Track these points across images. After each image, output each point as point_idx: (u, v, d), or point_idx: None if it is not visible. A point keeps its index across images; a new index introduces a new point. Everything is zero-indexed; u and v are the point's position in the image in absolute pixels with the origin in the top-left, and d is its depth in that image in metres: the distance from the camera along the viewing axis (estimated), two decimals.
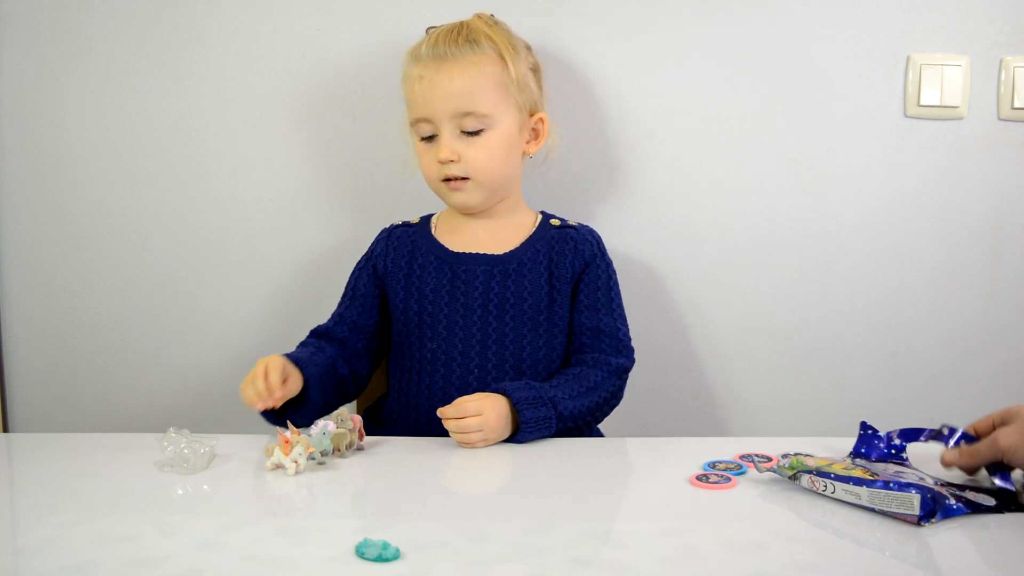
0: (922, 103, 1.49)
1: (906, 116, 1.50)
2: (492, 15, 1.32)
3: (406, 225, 1.35)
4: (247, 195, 1.55)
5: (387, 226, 1.37)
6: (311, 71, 1.51)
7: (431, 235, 1.32)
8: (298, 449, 1.01)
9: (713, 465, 1.02)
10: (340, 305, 1.34)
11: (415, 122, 1.26)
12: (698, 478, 0.98)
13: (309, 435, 1.05)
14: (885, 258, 1.54)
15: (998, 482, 0.94)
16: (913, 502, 0.85)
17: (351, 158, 1.53)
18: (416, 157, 1.31)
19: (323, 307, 1.56)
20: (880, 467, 1.00)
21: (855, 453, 1.05)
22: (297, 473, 1.01)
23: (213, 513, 0.91)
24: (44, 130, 1.54)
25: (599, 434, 1.33)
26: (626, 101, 1.51)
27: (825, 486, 0.93)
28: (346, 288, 1.35)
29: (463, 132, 1.24)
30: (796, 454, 1.03)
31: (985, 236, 1.53)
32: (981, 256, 1.53)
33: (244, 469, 1.03)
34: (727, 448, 1.08)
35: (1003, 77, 1.49)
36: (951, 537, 0.84)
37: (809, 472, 0.95)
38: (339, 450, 1.06)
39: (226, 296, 1.57)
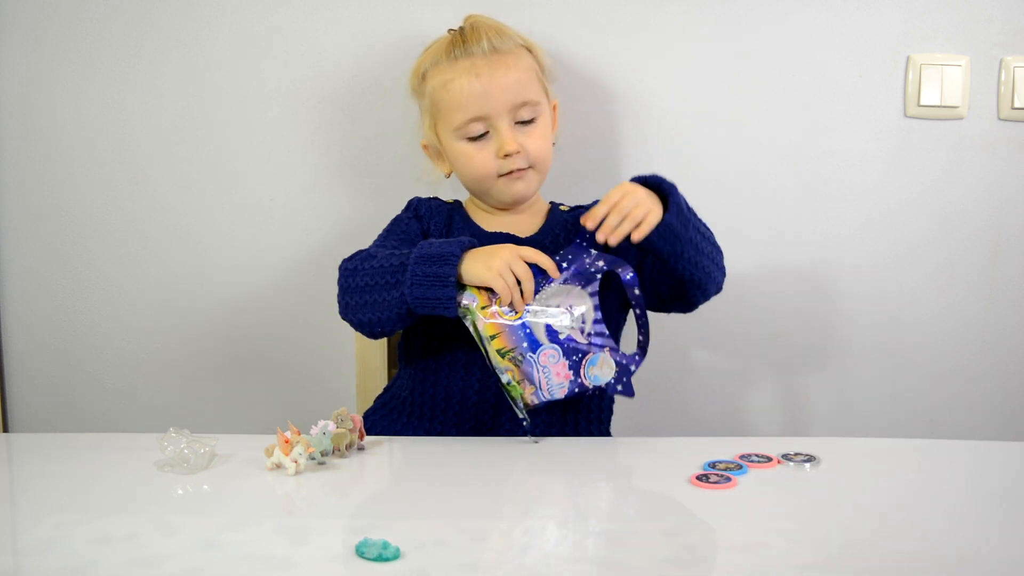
0: (922, 103, 1.49)
1: (906, 116, 1.50)
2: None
3: (440, 200, 1.35)
4: (246, 195, 1.55)
5: (421, 196, 1.35)
6: (311, 71, 1.51)
7: (466, 214, 1.33)
8: (298, 449, 1.01)
9: (713, 465, 1.02)
10: (388, 241, 1.28)
11: (465, 124, 1.25)
12: (698, 478, 0.98)
13: (309, 435, 1.05)
14: (885, 258, 1.54)
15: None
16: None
17: (351, 158, 1.53)
18: (461, 159, 1.27)
19: (322, 306, 1.56)
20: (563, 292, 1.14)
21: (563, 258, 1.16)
22: (297, 473, 1.01)
23: (213, 513, 0.91)
24: (43, 130, 1.54)
25: (607, 434, 1.33)
26: (625, 101, 1.51)
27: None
28: (389, 232, 1.30)
29: (517, 123, 1.26)
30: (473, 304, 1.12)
31: (985, 236, 1.53)
32: (981, 256, 1.53)
33: (244, 469, 1.03)
34: (727, 448, 1.08)
35: (1003, 77, 1.49)
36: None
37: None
38: (339, 450, 1.06)
39: (225, 296, 1.57)
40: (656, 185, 1.17)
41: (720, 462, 1.03)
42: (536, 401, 1.12)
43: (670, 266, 1.18)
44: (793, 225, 1.53)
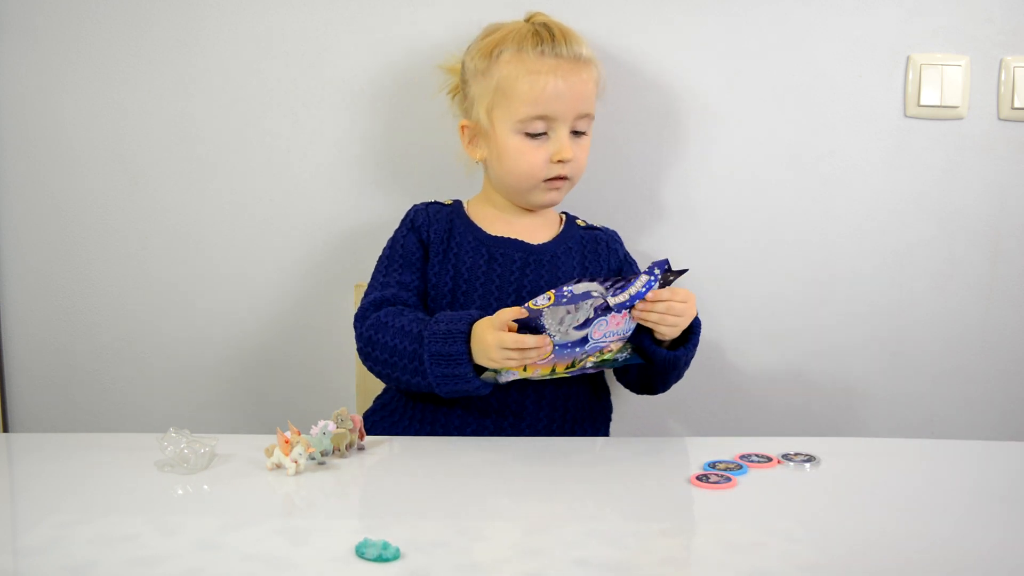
0: (922, 103, 1.49)
1: (906, 116, 1.50)
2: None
3: (439, 204, 1.35)
4: (246, 195, 1.55)
5: (418, 203, 1.35)
6: (312, 70, 1.51)
7: (467, 217, 1.33)
8: (298, 449, 1.01)
9: (713, 465, 1.02)
10: (391, 273, 1.28)
11: (530, 119, 1.25)
12: (698, 478, 0.98)
13: (309, 435, 1.05)
14: (884, 258, 1.54)
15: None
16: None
17: (351, 158, 1.53)
18: (512, 152, 1.27)
19: (322, 306, 1.56)
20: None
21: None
22: (297, 473, 1.01)
23: (213, 513, 0.91)
24: (43, 130, 1.54)
25: (605, 434, 1.33)
26: (624, 101, 1.51)
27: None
28: (389, 259, 1.29)
29: (572, 132, 1.27)
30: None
31: (985, 236, 1.53)
32: (981, 256, 1.53)
33: (244, 469, 1.03)
34: (727, 448, 1.08)
35: (1003, 77, 1.49)
36: (950, 537, 0.84)
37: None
38: (339, 450, 1.06)
39: (225, 296, 1.57)
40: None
41: (720, 462, 1.03)
42: (624, 342, 1.17)
43: (649, 368, 1.23)
44: (793, 225, 1.53)
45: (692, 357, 1.25)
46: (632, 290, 1.12)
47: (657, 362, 1.21)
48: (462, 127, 1.34)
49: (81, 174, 1.55)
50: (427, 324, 1.16)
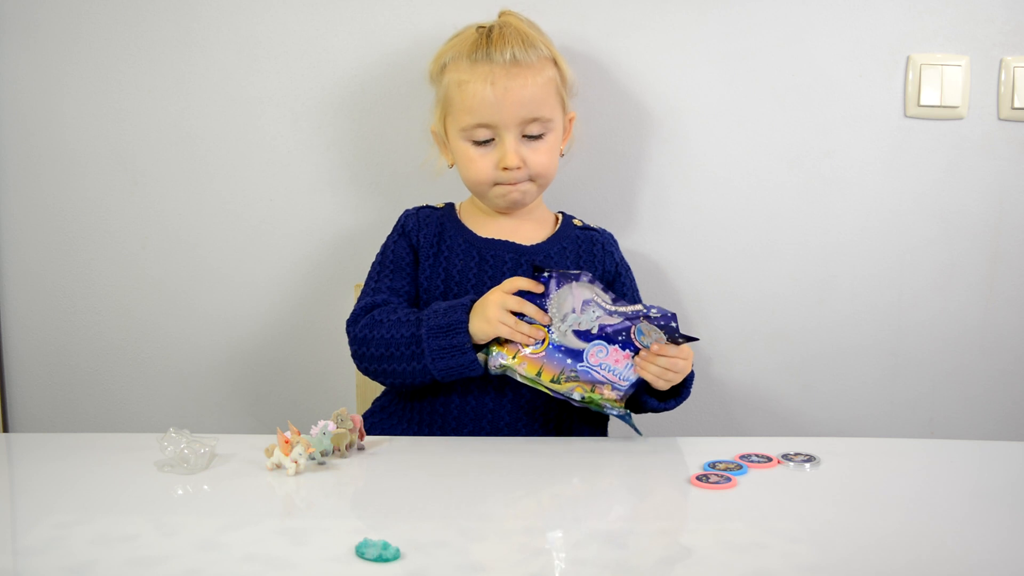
0: (922, 103, 1.49)
1: (906, 116, 1.50)
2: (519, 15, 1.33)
3: (430, 208, 1.35)
4: (246, 196, 1.55)
5: (410, 208, 1.35)
6: (311, 71, 1.51)
7: (458, 219, 1.33)
8: (298, 449, 1.01)
9: (713, 465, 1.02)
10: (382, 280, 1.29)
11: (472, 127, 1.24)
12: (698, 478, 0.98)
13: (309, 435, 1.05)
14: (884, 258, 1.54)
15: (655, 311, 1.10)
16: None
17: (350, 158, 1.53)
18: (463, 159, 1.27)
19: (322, 307, 1.56)
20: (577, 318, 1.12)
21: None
22: (297, 473, 1.01)
23: (213, 513, 0.91)
24: (43, 130, 1.54)
25: (604, 434, 1.33)
26: (626, 101, 1.51)
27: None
28: (380, 265, 1.31)
29: (524, 136, 1.25)
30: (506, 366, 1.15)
31: (985, 236, 1.53)
32: (981, 256, 1.53)
33: (244, 469, 1.03)
34: (727, 448, 1.08)
35: (1003, 77, 1.49)
36: (956, 536, 0.84)
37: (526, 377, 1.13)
38: (339, 450, 1.06)
39: (225, 296, 1.57)
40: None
41: (720, 462, 1.03)
42: (619, 394, 1.14)
43: (641, 406, 1.22)
44: (793, 225, 1.53)
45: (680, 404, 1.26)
46: (629, 309, 1.11)
47: (646, 411, 1.23)
48: (432, 132, 1.35)
49: (81, 174, 1.55)
50: (426, 310, 1.19)
